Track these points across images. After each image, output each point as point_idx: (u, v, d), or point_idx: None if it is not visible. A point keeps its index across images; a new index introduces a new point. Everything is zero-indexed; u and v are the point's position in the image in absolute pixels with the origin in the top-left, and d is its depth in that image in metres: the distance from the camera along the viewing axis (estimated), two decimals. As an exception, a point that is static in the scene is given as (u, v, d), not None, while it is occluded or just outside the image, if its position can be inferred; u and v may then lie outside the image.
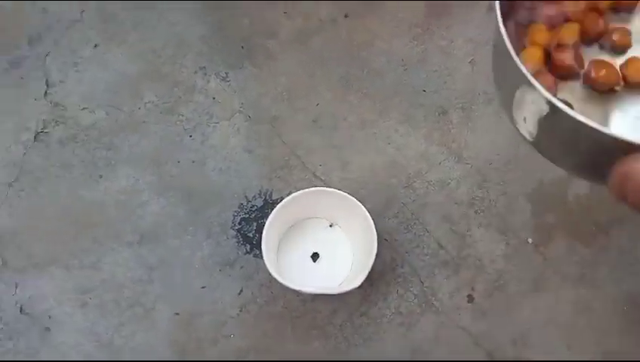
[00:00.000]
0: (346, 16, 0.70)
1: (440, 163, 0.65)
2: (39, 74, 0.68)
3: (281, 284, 0.54)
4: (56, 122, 0.66)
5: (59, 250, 0.62)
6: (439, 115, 0.67)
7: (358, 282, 0.53)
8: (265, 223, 0.56)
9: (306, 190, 0.57)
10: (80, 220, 0.63)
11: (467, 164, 0.65)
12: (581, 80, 0.36)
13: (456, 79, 0.68)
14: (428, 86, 0.68)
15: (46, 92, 0.67)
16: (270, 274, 0.54)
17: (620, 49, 0.37)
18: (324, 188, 0.58)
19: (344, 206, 0.58)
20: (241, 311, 0.60)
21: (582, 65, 0.36)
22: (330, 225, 0.62)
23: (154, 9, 0.70)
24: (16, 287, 0.61)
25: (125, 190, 0.64)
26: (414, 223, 0.64)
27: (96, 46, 0.69)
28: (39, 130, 0.66)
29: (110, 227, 0.63)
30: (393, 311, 0.61)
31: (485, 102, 0.67)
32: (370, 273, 0.55)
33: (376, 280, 0.61)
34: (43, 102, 0.67)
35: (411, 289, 0.62)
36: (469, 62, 0.68)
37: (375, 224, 0.56)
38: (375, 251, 0.54)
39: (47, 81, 0.67)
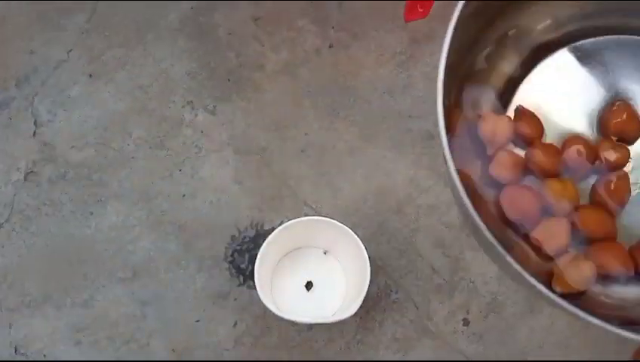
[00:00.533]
0: (330, 46, 0.71)
1: (429, 187, 0.66)
2: (28, 114, 0.68)
3: (276, 315, 0.54)
4: (45, 161, 0.66)
5: (51, 289, 0.62)
6: (427, 139, 0.67)
7: (352, 310, 0.53)
8: (257, 254, 0.56)
9: (297, 220, 0.57)
10: (71, 258, 0.63)
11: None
12: None
13: (441, 104, 0.69)
14: (414, 111, 0.68)
15: (35, 132, 0.67)
16: (264, 305, 0.54)
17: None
18: (315, 218, 0.58)
19: (336, 234, 0.58)
20: (236, 343, 0.60)
21: None
22: (325, 253, 0.61)
23: (140, 47, 0.71)
24: (10, 327, 0.60)
25: (116, 226, 0.64)
26: (407, 248, 0.64)
27: (88, 79, 0.69)
28: (29, 170, 0.66)
29: (101, 263, 0.63)
30: (389, 337, 0.61)
31: (471, 125, 0.68)
32: (364, 300, 0.55)
33: (371, 307, 0.61)
34: (32, 142, 0.67)
35: (407, 314, 0.62)
36: (454, 86, 0.69)
37: (368, 250, 0.57)
38: (368, 279, 0.54)
39: (35, 121, 0.68)
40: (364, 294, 0.54)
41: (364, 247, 0.56)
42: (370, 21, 0.72)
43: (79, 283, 0.62)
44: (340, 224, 0.57)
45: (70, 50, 0.71)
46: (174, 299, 0.61)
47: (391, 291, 0.62)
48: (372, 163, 0.67)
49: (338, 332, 0.60)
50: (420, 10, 0.63)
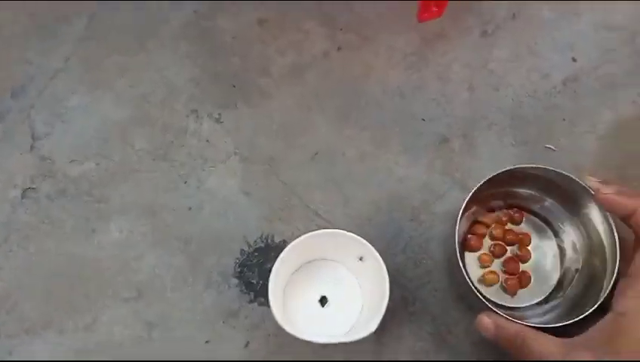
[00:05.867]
0: (339, 49, 0.68)
1: (444, 193, 0.63)
2: (24, 127, 0.65)
3: (289, 333, 0.51)
4: (44, 176, 0.63)
5: (52, 312, 0.59)
6: (440, 143, 0.65)
7: (372, 328, 0.51)
8: (268, 268, 0.53)
9: (310, 234, 0.54)
10: (73, 278, 0.60)
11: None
12: None
13: (454, 106, 0.66)
14: (427, 114, 0.66)
15: (32, 146, 0.65)
16: (277, 322, 0.51)
17: None
18: (329, 230, 0.55)
19: (350, 246, 0.55)
20: (248, 364, 0.57)
21: None
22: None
23: (141, 53, 0.68)
24: (10, 354, 0.58)
25: (119, 243, 0.61)
26: (423, 258, 0.61)
27: (87, 88, 0.67)
28: (27, 186, 0.63)
29: (105, 283, 0.60)
30: (408, 351, 0.58)
31: (486, 127, 0.65)
32: (381, 314, 0.52)
33: (388, 321, 0.58)
34: (29, 157, 0.64)
35: (425, 327, 0.59)
36: (467, 88, 0.67)
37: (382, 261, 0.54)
38: (388, 294, 0.51)
39: (32, 134, 0.65)
40: (383, 311, 0.51)
41: (381, 260, 0.53)
42: (379, 22, 0.69)
43: (82, 304, 0.59)
44: (357, 236, 0.54)
45: (68, 59, 0.68)
46: (182, 318, 0.59)
47: (408, 303, 0.59)
48: (384, 169, 0.64)
49: (355, 348, 0.57)
50: (435, 9, 0.60)
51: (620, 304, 0.47)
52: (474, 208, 0.59)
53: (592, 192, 0.53)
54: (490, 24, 0.69)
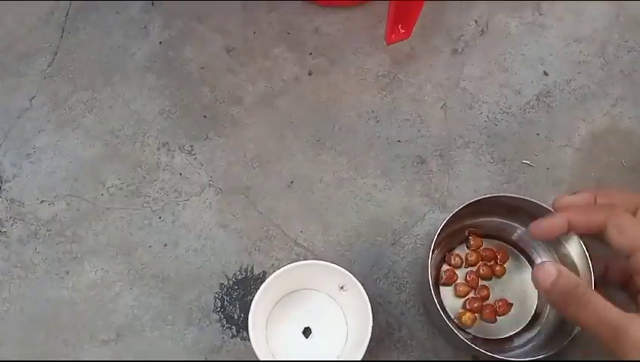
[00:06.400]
0: (309, 73, 0.67)
1: (425, 214, 0.62)
2: (-9, 170, 0.63)
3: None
4: (14, 220, 0.62)
5: (29, 360, 0.57)
6: (417, 164, 0.64)
7: (358, 357, 0.50)
8: (249, 300, 0.52)
9: (289, 266, 0.53)
10: (49, 323, 0.58)
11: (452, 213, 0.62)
12: None
13: (429, 126, 0.66)
14: (402, 136, 0.65)
15: (0, 188, 0.63)
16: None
17: None
18: (308, 262, 0.54)
19: (331, 276, 0.54)
20: (233, 402, 0.56)
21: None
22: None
23: (107, 88, 0.67)
24: (-16, 407, 0.56)
25: (95, 284, 0.59)
26: (406, 282, 0.60)
27: (54, 126, 0.65)
28: (-4, 231, 0.61)
29: (82, 327, 0.58)
30: (396, 379, 0.57)
31: (462, 146, 0.65)
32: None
33: (375, 348, 0.57)
34: (-2, 200, 0.62)
35: (412, 353, 0.58)
36: (441, 107, 0.66)
37: (365, 287, 0.53)
38: (371, 324, 0.50)
39: (0, 176, 0.63)
40: (367, 341, 0.50)
41: (363, 289, 0.52)
42: (348, 45, 0.69)
43: (59, 350, 0.57)
44: (336, 266, 0.53)
45: (33, 97, 0.66)
46: (164, 358, 0.57)
47: (393, 329, 0.59)
48: (363, 193, 0.63)
49: (342, 379, 0.56)
50: (402, 31, 0.60)
51: None
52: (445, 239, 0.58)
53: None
54: (459, 42, 0.69)
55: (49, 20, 0.70)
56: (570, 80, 0.67)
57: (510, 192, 0.55)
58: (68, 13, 0.70)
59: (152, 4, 0.71)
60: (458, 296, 0.57)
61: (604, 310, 0.42)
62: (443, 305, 0.57)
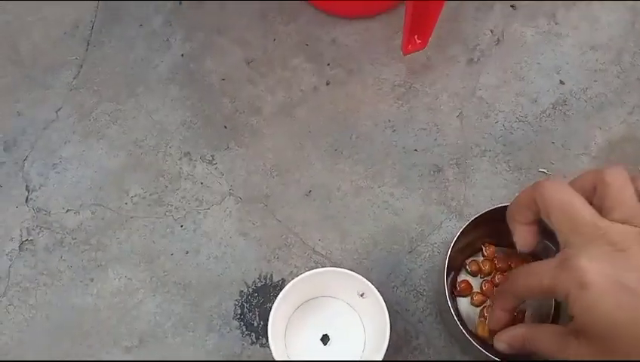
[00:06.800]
0: (327, 83, 0.69)
1: (441, 223, 0.63)
2: (18, 180, 0.65)
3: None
4: (40, 228, 0.63)
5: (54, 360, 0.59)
6: (434, 173, 0.65)
7: (376, 363, 0.50)
8: (268, 308, 0.53)
9: (308, 273, 0.54)
10: (74, 329, 0.60)
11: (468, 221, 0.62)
12: None
13: (446, 135, 0.66)
14: (419, 145, 0.66)
15: (27, 198, 0.65)
16: (280, 366, 0.51)
17: None
18: (327, 269, 0.55)
19: (350, 283, 0.55)
20: (253, 407, 0.57)
21: None
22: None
23: (131, 100, 0.68)
24: (12, 411, 0.57)
25: (118, 291, 0.61)
26: (424, 290, 0.61)
27: (79, 137, 0.67)
28: (24, 239, 0.63)
29: (106, 333, 0.60)
30: (414, 386, 0.58)
31: (479, 154, 0.65)
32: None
33: (392, 355, 0.58)
34: (25, 209, 0.64)
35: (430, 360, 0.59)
36: (457, 116, 0.67)
37: (383, 295, 0.54)
38: (389, 333, 0.51)
39: (27, 186, 0.65)
40: (385, 347, 0.51)
41: (381, 297, 0.53)
42: (365, 55, 0.70)
43: (84, 355, 0.59)
44: (355, 273, 0.54)
45: (59, 109, 0.68)
46: (185, 364, 0.58)
47: (411, 337, 0.59)
48: (380, 202, 0.64)
49: (360, 385, 0.57)
50: (418, 41, 0.61)
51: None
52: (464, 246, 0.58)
53: None
54: (475, 51, 0.70)
55: (74, 34, 0.72)
56: (587, 88, 0.68)
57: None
58: (93, 26, 0.72)
59: (180, 3, 0.73)
60: (474, 304, 0.58)
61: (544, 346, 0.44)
62: (460, 313, 0.58)
